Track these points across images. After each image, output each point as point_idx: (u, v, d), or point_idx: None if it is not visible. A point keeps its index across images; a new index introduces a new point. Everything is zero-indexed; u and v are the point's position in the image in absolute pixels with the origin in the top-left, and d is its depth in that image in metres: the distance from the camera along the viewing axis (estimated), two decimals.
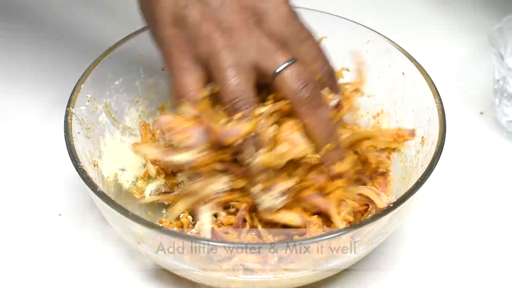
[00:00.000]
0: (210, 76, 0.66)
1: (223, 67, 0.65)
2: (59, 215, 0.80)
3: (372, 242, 0.69)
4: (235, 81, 0.65)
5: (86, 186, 0.68)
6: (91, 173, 0.72)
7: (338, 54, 0.85)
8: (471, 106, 0.89)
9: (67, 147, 0.70)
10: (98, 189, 0.67)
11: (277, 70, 0.65)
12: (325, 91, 0.70)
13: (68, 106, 0.73)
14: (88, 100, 0.76)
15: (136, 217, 0.65)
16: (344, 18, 0.84)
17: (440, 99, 0.74)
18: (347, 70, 0.77)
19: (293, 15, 0.68)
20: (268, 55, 0.66)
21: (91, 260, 0.76)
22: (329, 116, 0.68)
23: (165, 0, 0.66)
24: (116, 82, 0.80)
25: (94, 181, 0.69)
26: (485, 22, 1.04)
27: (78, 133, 0.73)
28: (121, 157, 0.80)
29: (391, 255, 0.77)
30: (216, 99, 0.67)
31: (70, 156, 0.70)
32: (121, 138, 0.81)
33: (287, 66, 0.66)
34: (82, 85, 0.75)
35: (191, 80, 0.67)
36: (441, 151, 0.70)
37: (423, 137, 0.76)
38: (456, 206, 0.82)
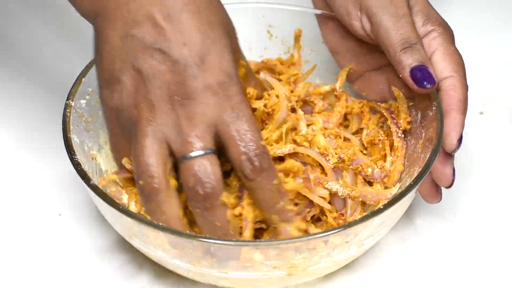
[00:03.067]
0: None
1: (138, 137, 0.65)
2: (59, 215, 0.80)
3: (375, 238, 0.69)
4: (145, 153, 0.64)
5: (84, 184, 0.67)
6: (89, 167, 0.72)
7: None
8: (471, 106, 0.88)
9: (63, 139, 0.70)
10: (92, 182, 0.67)
11: (184, 156, 0.65)
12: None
13: (67, 99, 0.73)
14: (89, 94, 0.76)
15: (128, 211, 0.65)
16: None
17: (440, 99, 0.74)
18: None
19: (224, 98, 0.66)
20: (181, 138, 0.65)
21: (91, 260, 0.76)
22: (223, 218, 0.66)
23: (105, 61, 0.66)
24: None
25: (92, 174, 0.69)
26: (483, 21, 1.05)
27: (77, 126, 0.73)
28: None
29: (391, 255, 0.77)
30: None
31: (66, 148, 0.69)
32: None
33: (194, 156, 0.64)
34: (83, 78, 0.75)
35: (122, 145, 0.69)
36: (438, 150, 0.70)
37: None
38: (456, 206, 0.82)
